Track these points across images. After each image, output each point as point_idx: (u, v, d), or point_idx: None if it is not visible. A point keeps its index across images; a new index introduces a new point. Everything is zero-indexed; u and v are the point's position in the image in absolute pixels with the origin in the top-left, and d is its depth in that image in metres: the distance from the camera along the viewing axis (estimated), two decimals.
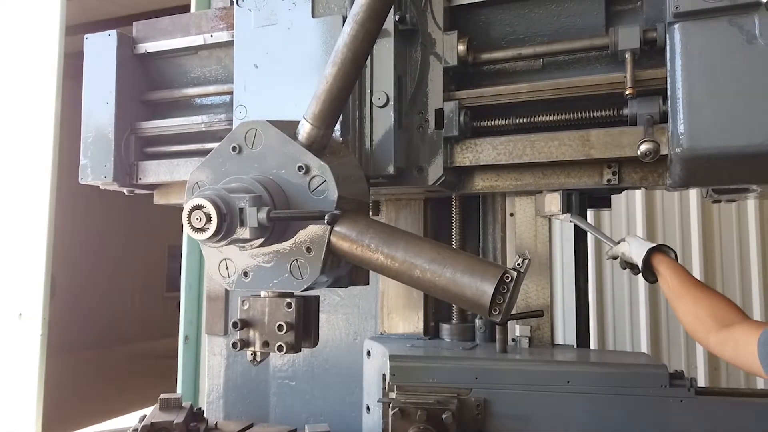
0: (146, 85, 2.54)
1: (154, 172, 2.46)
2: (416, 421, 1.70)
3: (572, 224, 2.15)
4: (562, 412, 1.77)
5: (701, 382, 4.82)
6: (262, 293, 1.72)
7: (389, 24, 1.87)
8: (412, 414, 1.72)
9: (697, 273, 4.91)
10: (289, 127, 1.70)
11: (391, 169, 1.90)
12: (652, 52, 1.83)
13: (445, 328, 2.30)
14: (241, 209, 1.53)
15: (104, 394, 8.04)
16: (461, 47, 1.97)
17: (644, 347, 4.98)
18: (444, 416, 1.70)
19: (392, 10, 1.81)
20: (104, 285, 10.43)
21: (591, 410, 1.76)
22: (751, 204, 4.83)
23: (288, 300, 1.69)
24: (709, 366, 4.92)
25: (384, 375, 1.89)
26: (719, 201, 2.29)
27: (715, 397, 1.75)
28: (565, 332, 4.42)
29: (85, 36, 2.48)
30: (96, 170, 2.42)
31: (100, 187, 2.50)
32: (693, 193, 4.93)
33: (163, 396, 2.33)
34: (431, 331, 2.34)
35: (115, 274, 10.80)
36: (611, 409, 1.75)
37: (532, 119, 1.97)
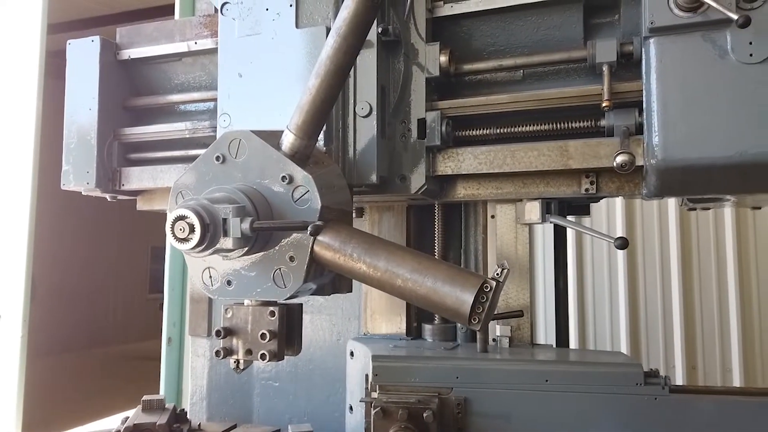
0: (129, 91, 2.54)
1: (137, 178, 2.46)
2: (397, 420, 1.73)
3: (553, 227, 2.19)
4: (541, 410, 1.81)
5: (679, 381, 4.92)
6: (246, 301, 1.74)
7: (372, 35, 1.90)
8: (393, 413, 1.75)
9: (675, 278, 5.03)
10: (272, 137, 1.72)
11: (374, 178, 1.93)
12: (628, 65, 1.87)
13: (427, 328, 2.34)
14: (225, 220, 1.55)
15: (86, 396, 7.98)
16: (443, 58, 2.00)
17: (624, 347, 5.07)
18: (425, 415, 1.73)
19: (375, 22, 1.84)
20: (86, 286, 10.33)
21: (569, 408, 1.80)
22: (727, 211, 4.94)
23: (271, 308, 1.71)
24: (686, 364, 5.02)
25: (367, 375, 1.92)
26: (695, 209, 2.35)
27: (688, 394, 1.80)
28: (545, 332, 4.49)
29: (68, 41, 2.47)
30: (78, 176, 2.41)
31: (83, 193, 2.49)
32: (671, 201, 5.03)
33: (145, 397, 2.33)
34: (414, 331, 2.37)
35: (97, 276, 10.71)
36: (588, 407, 1.79)
37: (512, 129, 2.01)
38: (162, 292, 4.96)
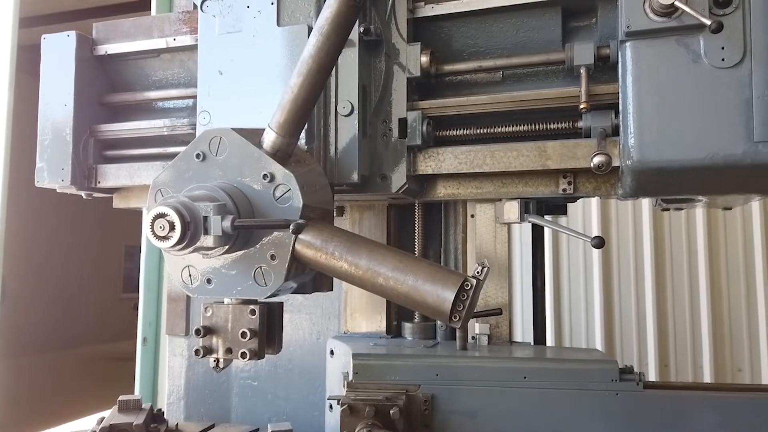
0: (106, 87, 2.50)
1: (113, 175, 2.43)
2: (365, 417, 1.75)
3: (530, 226, 2.22)
4: (517, 406, 1.84)
5: (651, 377, 5.03)
6: (226, 300, 1.73)
7: (354, 35, 1.90)
8: (360, 410, 1.76)
9: (648, 277, 5.13)
10: (253, 136, 1.71)
11: (355, 177, 1.93)
12: (605, 68, 1.91)
13: (407, 326, 2.35)
14: (206, 218, 1.54)
15: (59, 397, 7.83)
16: (424, 58, 2.01)
17: (598, 345, 5.16)
18: (391, 412, 1.75)
19: (357, 21, 1.84)
20: (57, 286, 10.13)
21: (545, 404, 1.83)
22: (699, 212, 5.06)
23: (252, 307, 1.70)
24: (659, 362, 5.13)
25: (346, 373, 1.92)
26: (668, 209, 2.40)
27: (662, 390, 1.84)
28: (522, 330, 4.55)
29: (43, 36, 2.43)
30: (53, 173, 2.37)
31: (57, 190, 2.45)
32: (645, 202, 5.14)
33: (122, 398, 2.30)
34: (394, 330, 2.38)
35: (69, 275, 10.51)
36: (564, 403, 1.82)
37: (492, 130, 2.03)
38: (136, 291, 4.89)
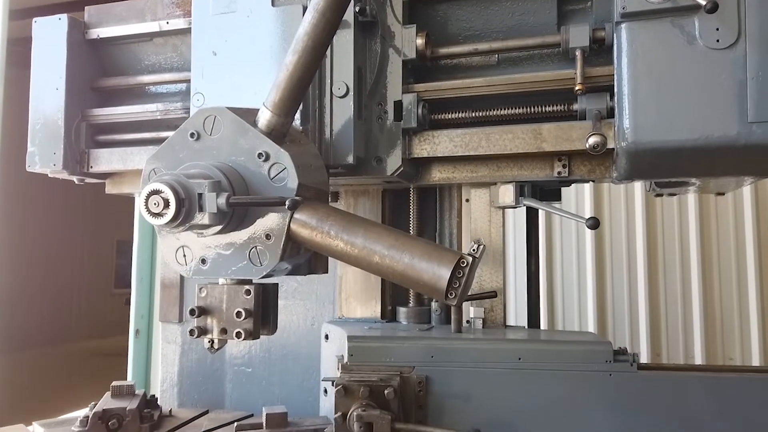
0: (98, 71, 2.48)
1: (106, 160, 2.41)
2: (359, 398, 1.74)
3: (524, 212, 2.22)
4: (510, 387, 1.84)
5: (643, 360, 5.04)
6: (221, 280, 1.72)
7: (349, 15, 1.89)
8: (355, 391, 1.76)
9: (640, 264, 5.16)
10: (248, 115, 1.70)
11: (350, 159, 1.93)
12: (600, 50, 1.91)
13: (402, 311, 2.35)
14: (200, 195, 1.53)
15: (49, 392, 7.77)
16: (419, 41, 2.01)
17: (591, 328, 5.18)
18: (386, 392, 1.75)
19: (353, 1, 1.84)
20: (48, 282, 10.05)
21: (539, 386, 1.84)
22: (691, 198, 5.09)
23: (247, 287, 1.69)
24: (651, 344, 5.15)
25: (341, 356, 1.92)
26: (661, 195, 2.41)
27: (655, 371, 1.85)
28: (516, 314, 4.56)
29: (34, 19, 2.40)
30: (44, 158, 2.35)
31: (49, 174, 2.42)
32: (638, 190, 5.16)
33: (115, 383, 2.28)
34: (388, 315, 2.38)
35: (60, 271, 10.42)
36: (558, 383, 1.83)
37: (487, 113, 2.03)
38: (128, 287, 4.86)
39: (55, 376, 8.59)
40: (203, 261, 1.71)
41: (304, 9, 1.89)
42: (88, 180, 2.50)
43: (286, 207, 1.53)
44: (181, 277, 2.62)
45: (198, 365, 2.60)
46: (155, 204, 1.49)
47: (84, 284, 11.10)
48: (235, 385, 2.57)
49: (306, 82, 1.65)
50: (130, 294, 4.90)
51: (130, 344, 4.60)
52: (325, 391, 2.17)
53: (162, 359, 2.65)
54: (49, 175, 2.44)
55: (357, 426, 1.68)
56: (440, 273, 1.50)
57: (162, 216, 1.49)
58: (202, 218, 1.54)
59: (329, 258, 1.97)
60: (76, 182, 2.50)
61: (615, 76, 1.79)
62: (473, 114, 2.05)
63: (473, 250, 1.54)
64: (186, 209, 1.51)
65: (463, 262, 1.51)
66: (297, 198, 1.56)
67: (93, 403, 2.21)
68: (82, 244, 10.90)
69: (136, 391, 2.31)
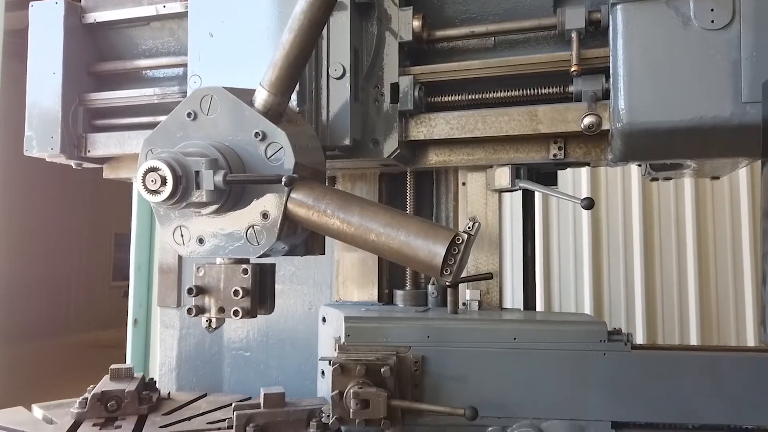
0: (95, 56, 2.48)
1: (103, 144, 2.41)
2: (356, 376, 1.76)
3: (521, 195, 2.23)
4: (505, 367, 1.85)
5: (639, 341, 5.07)
6: (218, 260, 1.73)
7: None
8: (351, 370, 1.77)
9: (637, 248, 5.17)
10: (245, 95, 1.71)
11: (347, 141, 1.93)
12: (596, 32, 1.93)
13: (398, 294, 2.36)
14: (197, 172, 1.53)
15: (48, 384, 7.79)
16: (416, 23, 2.01)
17: (588, 311, 5.20)
18: (382, 370, 1.76)
19: None
20: (47, 274, 10.06)
21: (533, 365, 1.85)
22: (687, 182, 5.10)
23: (244, 266, 1.70)
24: (647, 328, 5.18)
25: (338, 337, 1.93)
26: (657, 179, 2.42)
27: (649, 351, 1.87)
28: (512, 297, 4.58)
29: (31, 3, 2.40)
30: (42, 142, 2.35)
31: (46, 159, 2.43)
32: (635, 174, 5.17)
33: (113, 366, 2.30)
34: (385, 297, 2.39)
35: (59, 264, 10.43)
36: (552, 363, 1.84)
37: (483, 95, 2.04)
38: (126, 280, 4.87)
39: (53, 368, 8.61)
40: (201, 241, 1.72)
41: None
42: (86, 165, 2.51)
43: (283, 184, 1.54)
44: (179, 262, 2.63)
45: (196, 349, 2.62)
46: (152, 181, 1.50)
47: (82, 277, 11.11)
48: (234, 369, 2.58)
49: (302, 61, 1.66)
50: (128, 287, 4.91)
51: (128, 332, 4.61)
52: (323, 372, 2.19)
53: (160, 344, 2.67)
54: (47, 160, 2.44)
55: (354, 403, 1.69)
56: (435, 250, 1.51)
57: (159, 193, 1.50)
58: (199, 196, 1.55)
59: (326, 241, 1.99)
60: (74, 167, 2.50)
61: (610, 58, 1.80)
62: (470, 97, 2.06)
63: (468, 227, 1.55)
64: (183, 186, 1.52)
65: (458, 240, 1.52)
66: (293, 175, 1.57)
67: (91, 386, 2.22)
68: (80, 237, 10.90)
69: (135, 375, 2.32)
